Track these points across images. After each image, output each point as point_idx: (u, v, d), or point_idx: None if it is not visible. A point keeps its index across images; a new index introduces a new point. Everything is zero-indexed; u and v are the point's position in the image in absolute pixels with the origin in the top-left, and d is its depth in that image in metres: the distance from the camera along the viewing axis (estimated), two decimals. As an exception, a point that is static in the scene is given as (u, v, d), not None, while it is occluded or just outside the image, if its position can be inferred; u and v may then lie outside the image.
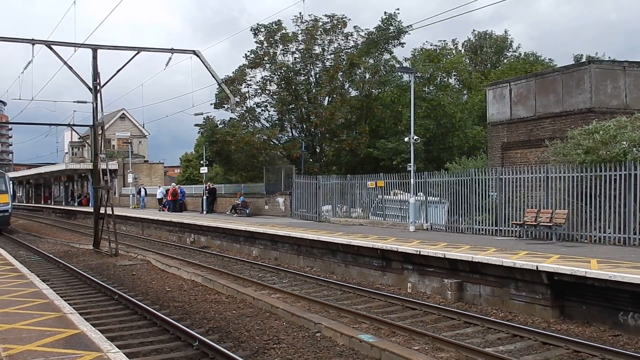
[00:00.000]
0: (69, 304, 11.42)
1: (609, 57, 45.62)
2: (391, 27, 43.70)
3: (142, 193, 54.28)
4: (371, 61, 45.28)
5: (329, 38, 44.73)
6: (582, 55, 52.85)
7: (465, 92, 51.71)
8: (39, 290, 12.31)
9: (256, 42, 44.91)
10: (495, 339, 11.98)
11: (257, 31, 44.40)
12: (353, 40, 44.70)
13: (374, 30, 44.20)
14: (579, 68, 23.47)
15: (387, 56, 45.86)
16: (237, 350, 11.33)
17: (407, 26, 42.44)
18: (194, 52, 29.75)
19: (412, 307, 15.01)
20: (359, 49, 44.35)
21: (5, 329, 8.80)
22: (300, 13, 45.08)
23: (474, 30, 62.67)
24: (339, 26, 44.16)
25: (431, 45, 51.56)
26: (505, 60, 59.30)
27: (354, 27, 44.92)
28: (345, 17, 44.15)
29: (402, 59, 47.86)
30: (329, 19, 44.05)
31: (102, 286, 18.29)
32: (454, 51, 55.09)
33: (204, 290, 17.92)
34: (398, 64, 45.62)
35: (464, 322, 13.32)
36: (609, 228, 18.12)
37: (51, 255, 26.69)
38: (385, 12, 44.11)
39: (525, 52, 59.57)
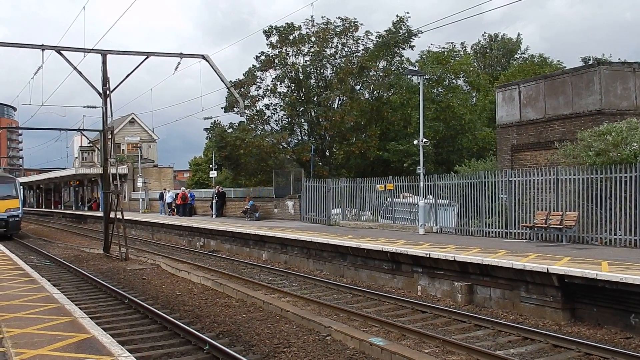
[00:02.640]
0: (79, 308, 11.47)
1: (619, 59, 45.34)
2: (401, 30, 43.67)
3: (165, 197, 51.93)
4: (382, 64, 45.31)
5: (341, 41, 44.79)
6: (590, 57, 52.63)
7: (474, 94, 51.61)
8: (50, 295, 12.36)
9: (268, 44, 45.02)
10: (505, 341, 11.95)
11: (269, 33, 44.49)
12: (363, 44, 44.77)
13: (384, 33, 44.20)
14: (588, 70, 23.38)
15: (397, 59, 45.86)
16: (248, 353, 11.34)
17: (417, 30, 42.44)
18: (203, 57, 29.84)
19: (422, 310, 14.99)
20: (370, 52, 44.38)
21: (17, 333, 8.84)
22: (311, 16, 45.24)
23: (484, 33, 62.49)
24: (351, 29, 44.21)
25: (438, 47, 51.59)
26: (514, 63, 59.12)
27: (366, 31, 45.03)
28: (357, 22, 44.29)
29: (414, 60, 47.92)
30: (342, 22, 44.14)
31: (112, 290, 18.35)
32: (461, 52, 54.98)
33: (214, 294, 17.94)
34: (411, 65, 45.62)
35: (475, 325, 13.28)
36: (619, 230, 18.04)
37: (62, 260, 26.80)
38: (397, 15, 44.15)
39: (532, 55, 59.41)
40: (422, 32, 43.22)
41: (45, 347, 8.01)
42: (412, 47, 45.44)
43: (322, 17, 48.74)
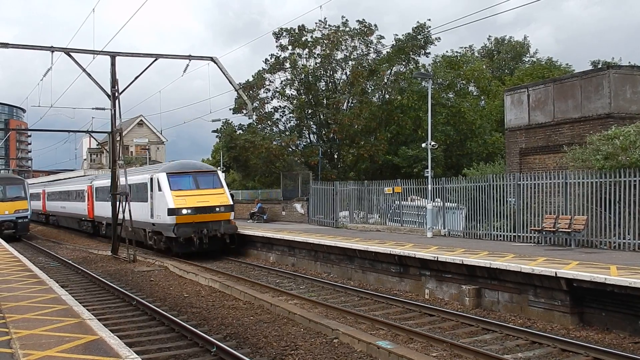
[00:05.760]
0: (87, 309, 11.50)
1: (629, 62, 45.19)
2: (419, 36, 43.64)
3: None
4: (395, 69, 45.37)
5: (352, 44, 44.87)
6: (599, 60, 52.51)
7: (482, 97, 51.55)
8: (58, 296, 12.38)
9: (277, 45, 45.06)
10: (513, 345, 11.91)
11: (279, 35, 44.52)
12: (373, 48, 44.80)
13: (401, 37, 44.19)
14: (597, 73, 23.29)
15: (412, 65, 45.84)
16: (255, 356, 11.35)
17: (435, 37, 42.50)
18: (212, 59, 29.90)
19: (430, 313, 14.96)
20: (384, 56, 44.42)
21: (25, 334, 8.87)
22: (325, 18, 45.41)
23: (489, 37, 62.56)
24: (366, 32, 44.26)
25: (451, 51, 51.65)
26: (522, 66, 58.98)
27: (377, 35, 45.14)
28: (373, 26, 44.34)
29: (427, 65, 47.95)
30: (358, 25, 44.22)
31: (120, 292, 18.40)
32: (470, 58, 54.91)
33: (222, 296, 17.96)
34: (426, 71, 45.70)
35: (482, 329, 13.25)
36: (628, 234, 17.94)
37: (70, 262, 26.87)
38: (417, 22, 44.27)
39: (539, 58, 59.24)
40: (439, 40, 43.42)
41: (53, 348, 8.03)
42: (427, 54, 45.54)
43: (342, 16, 48.82)
